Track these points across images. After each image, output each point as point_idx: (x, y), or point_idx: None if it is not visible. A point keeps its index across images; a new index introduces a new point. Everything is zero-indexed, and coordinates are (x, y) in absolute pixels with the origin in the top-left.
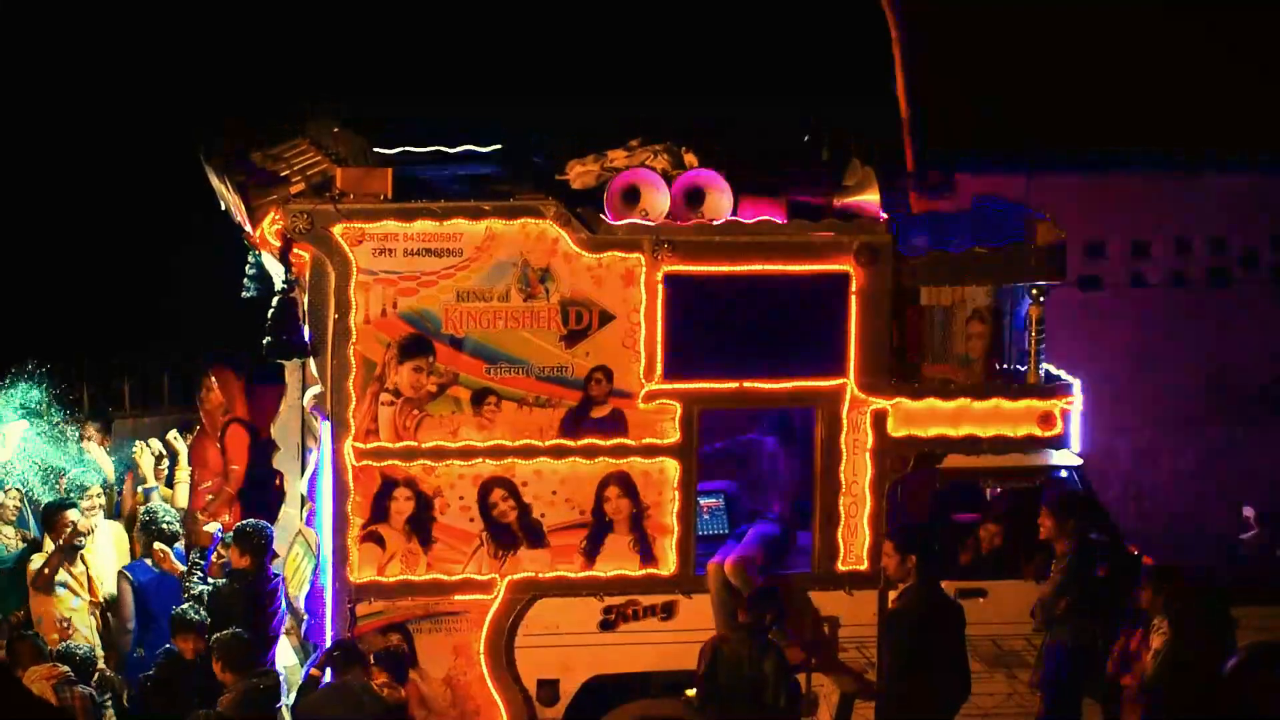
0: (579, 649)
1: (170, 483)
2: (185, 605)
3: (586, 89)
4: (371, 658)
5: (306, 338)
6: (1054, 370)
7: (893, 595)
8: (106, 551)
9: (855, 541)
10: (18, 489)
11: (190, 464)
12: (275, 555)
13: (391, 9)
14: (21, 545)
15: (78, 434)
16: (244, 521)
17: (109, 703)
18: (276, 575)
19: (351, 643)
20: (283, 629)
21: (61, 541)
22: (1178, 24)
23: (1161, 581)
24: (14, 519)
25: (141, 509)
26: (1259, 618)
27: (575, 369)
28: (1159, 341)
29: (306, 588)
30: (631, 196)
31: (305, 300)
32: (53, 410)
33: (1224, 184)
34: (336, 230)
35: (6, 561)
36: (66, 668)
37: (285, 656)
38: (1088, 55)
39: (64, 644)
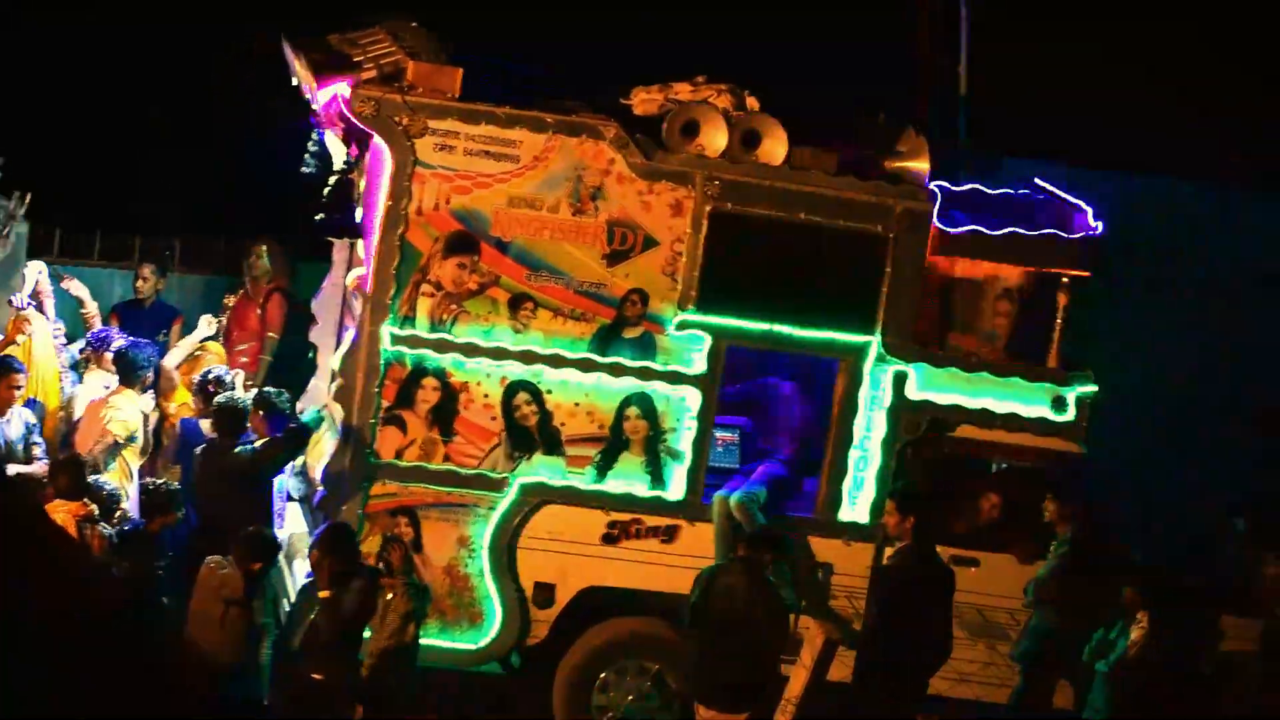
0: (579, 558)
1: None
2: (161, 481)
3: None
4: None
5: (358, 219)
6: (1074, 359)
7: (888, 552)
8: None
9: (859, 495)
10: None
11: (230, 326)
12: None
13: None
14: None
15: (133, 274)
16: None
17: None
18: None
19: (343, 527)
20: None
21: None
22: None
23: (1146, 580)
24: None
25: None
26: (1242, 628)
27: (613, 288)
28: (1175, 346)
29: (326, 460)
30: (690, 130)
31: (361, 183)
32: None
33: (1260, 206)
34: (401, 120)
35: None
36: (95, 507)
37: (296, 524)
38: (1142, 80)
39: (93, 479)
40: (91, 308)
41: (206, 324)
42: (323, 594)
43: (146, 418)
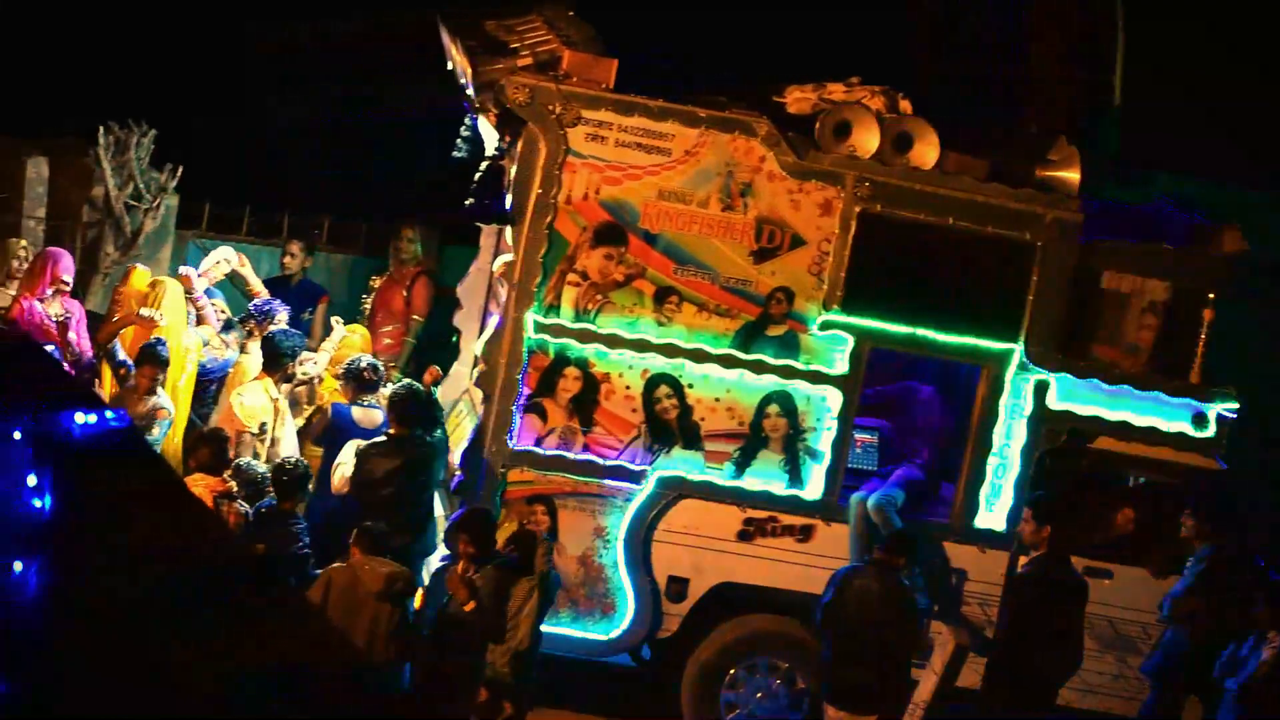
0: (714, 554)
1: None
2: (294, 458)
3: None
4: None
5: (507, 206)
6: (1217, 375)
7: (1022, 560)
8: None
9: (996, 502)
10: (218, 300)
11: (375, 308)
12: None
13: None
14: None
15: (280, 251)
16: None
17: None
18: (427, 441)
19: (482, 513)
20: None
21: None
22: None
23: None
24: (216, 328)
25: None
26: None
27: (759, 285)
28: None
29: (464, 445)
30: (843, 131)
31: (512, 170)
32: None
33: None
34: (555, 109)
35: (218, 370)
36: (234, 483)
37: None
38: None
39: (245, 461)
40: (256, 284)
41: (338, 325)
42: (468, 606)
43: (276, 407)
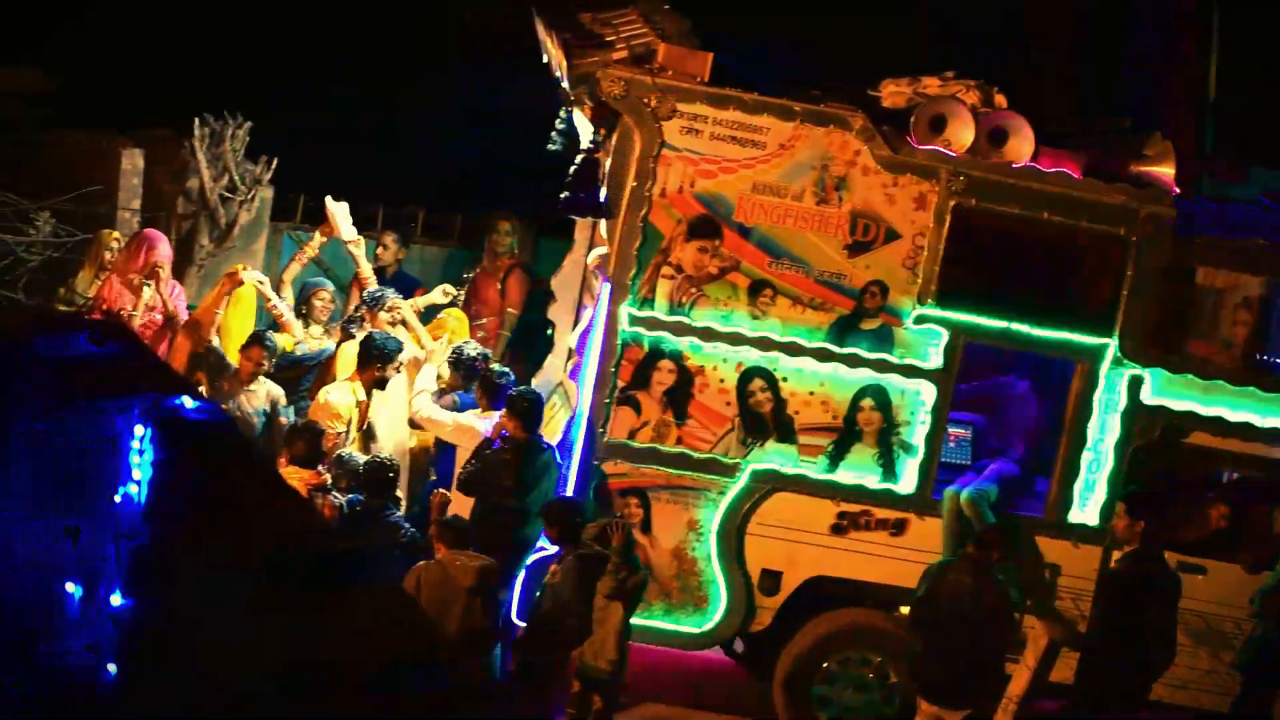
0: (807, 547)
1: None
2: (386, 456)
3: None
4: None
5: (601, 199)
6: None
7: (1116, 555)
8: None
9: (1090, 497)
10: (328, 289)
11: (469, 300)
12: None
13: None
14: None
15: (374, 246)
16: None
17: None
18: (547, 447)
19: (569, 502)
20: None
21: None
22: None
23: None
24: (324, 319)
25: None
26: None
27: (853, 279)
28: None
29: (558, 438)
30: (938, 125)
31: (607, 163)
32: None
33: None
34: (650, 102)
35: (311, 359)
36: (328, 476)
37: None
38: None
39: (346, 452)
40: (365, 269)
41: (442, 294)
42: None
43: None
